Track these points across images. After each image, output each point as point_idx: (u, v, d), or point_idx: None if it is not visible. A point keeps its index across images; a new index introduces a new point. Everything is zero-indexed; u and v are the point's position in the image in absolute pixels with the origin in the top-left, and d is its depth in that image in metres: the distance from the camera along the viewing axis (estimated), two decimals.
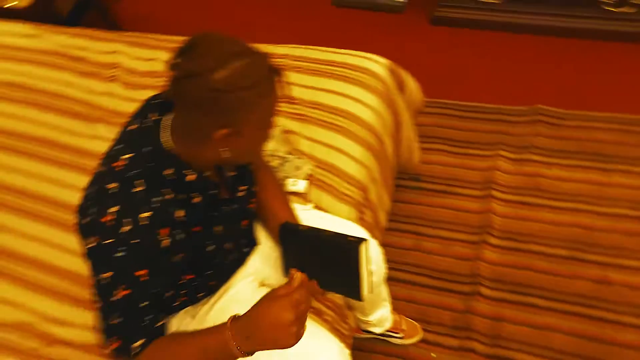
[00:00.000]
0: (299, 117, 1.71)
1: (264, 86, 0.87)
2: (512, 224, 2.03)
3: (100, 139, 1.78)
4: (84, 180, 1.61)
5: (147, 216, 0.87)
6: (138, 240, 0.86)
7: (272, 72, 0.88)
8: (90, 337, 1.33)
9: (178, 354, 0.89)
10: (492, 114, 2.41)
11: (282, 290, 0.86)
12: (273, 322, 0.82)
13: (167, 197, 0.91)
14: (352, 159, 1.60)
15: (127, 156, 0.90)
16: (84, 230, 0.89)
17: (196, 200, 0.97)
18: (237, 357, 0.86)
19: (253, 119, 0.89)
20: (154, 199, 0.89)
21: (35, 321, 1.39)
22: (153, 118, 0.95)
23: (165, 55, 2.02)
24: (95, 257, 0.89)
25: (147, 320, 0.91)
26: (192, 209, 0.95)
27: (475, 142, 2.32)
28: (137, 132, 0.95)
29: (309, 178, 1.55)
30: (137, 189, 0.88)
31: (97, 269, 0.89)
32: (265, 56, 0.88)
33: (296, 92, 1.78)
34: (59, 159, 1.73)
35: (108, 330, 0.90)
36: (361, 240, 0.98)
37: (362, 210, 1.55)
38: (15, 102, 1.93)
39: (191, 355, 0.88)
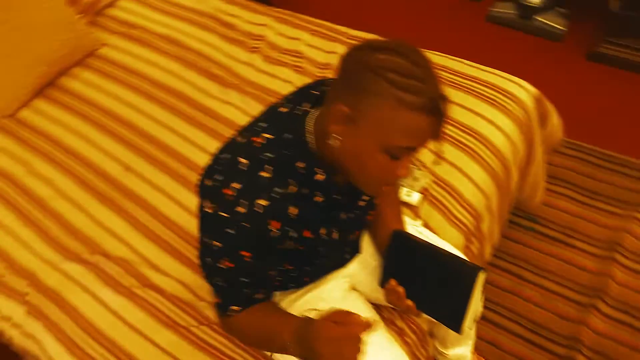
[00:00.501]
0: None
1: (410, 102, 0.76)
2: (632, 296, 1.82)
3: (232, 105, 1.84)
4: (209, 142, 1.73)
5: (263, 205, 0.86)
6: (248, 225, 0.86)
7: (431, 104, 0.77)
8: (180, 291, 1.39)
9: (272, 328, 0.97)
10: (636, 171, 2.17)
11: (341, 329, 0.84)
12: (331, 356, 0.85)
13: (290, 189, 0.89)
14: (474, 183, 1.52)
15: (267, 136, 0.89)
16: (205, 192, 0.91)
17: (317, 199, 0.94)
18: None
19: (375, 118, 0.78)
20: (277, 189, 0.88)
21: (136, 261, 1.47)
22: (304, 108, 0.93)
23: (307, 37, 2.05)
24: (208, 222, 0.90)
25: (246, 292, 0.96)
26: (310, 208, 0.93)
27: (608, 196, 2.10)
28: (286, 117, 0.92)
29: (424, 192, 1.49)
30: (264, 174, 0.87)
31: (207, 233, 0.91)
32: (438, 94, 0.79)
33: None
34: (191, 116, 1.81)
35: (212, 286, 0.97)
36: (480, 268, 0.90)
37: (470, 239, 1.47)
38: (165, 55, 2.05)
39: (278, 340, 0.95)
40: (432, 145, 1.59)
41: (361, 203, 1.06)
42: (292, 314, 1.01)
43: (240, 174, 0.87)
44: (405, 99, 0.76)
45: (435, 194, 1.50)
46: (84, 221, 1.57)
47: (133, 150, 1.73)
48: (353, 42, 1.92)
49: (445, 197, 1.49)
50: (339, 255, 1.16)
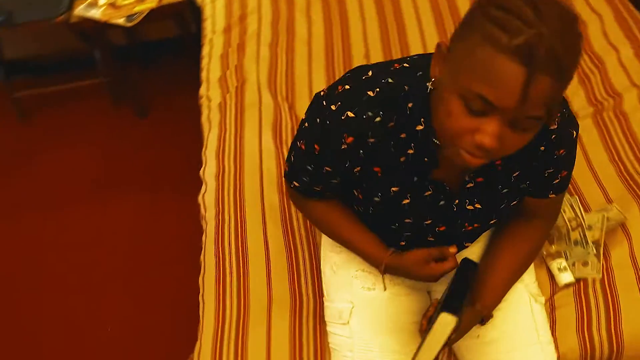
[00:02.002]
0: None
1: (498, 39, 0.62)
2: None
3: None
4: None
5: (349, 116, 0.82)
6: (328, 124, 0.83)
7: (527, 50, 0.61)
8: None
9: (332, 229, 1.03)
10: None
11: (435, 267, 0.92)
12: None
13: (389, 124, 0.82)
14: None
15: (406, 65, 0.85)
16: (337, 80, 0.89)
17: (409, 151, 0.84)
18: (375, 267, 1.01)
19: (459, 54, 0.67)
20: (371, 113, 0.81)
21: None
22: None
23: None
24: (313, 101, 0.89)
25: (306, 180, 0.96)
26: (391, 153, 0.84)
27: None
28: (430, 58, 0.79)
29: (584, 280, 1.13)
30: (370, 94, 0.82)
31: (308, 109, 0.90)
32: (546, 42, 0.61)
33: None
34: None
35: (288, 155, 0.99)
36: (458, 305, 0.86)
37: None
38: None
39: (340, 240, 1.03)
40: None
41: (468, 186, 0.89)
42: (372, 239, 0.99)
43: (358, 81, 0.85)
44: (494, 35, 0.62)
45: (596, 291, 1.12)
46: None
47: None
48: None
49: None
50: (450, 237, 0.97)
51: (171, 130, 2.25)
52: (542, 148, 0.86)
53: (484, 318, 0.98)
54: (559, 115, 0.84)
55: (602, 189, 1.24)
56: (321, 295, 1.14)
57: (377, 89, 0.82)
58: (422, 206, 0.91)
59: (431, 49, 1.23)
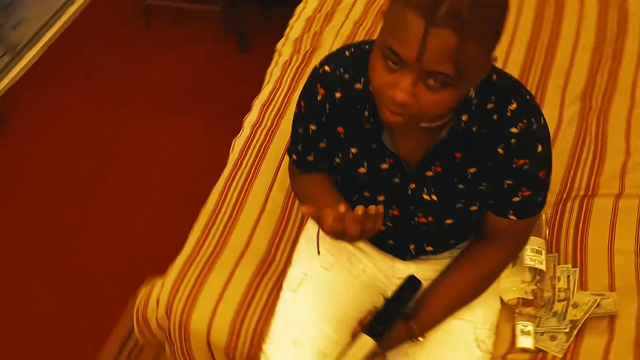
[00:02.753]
0: None
1: None
2: None
3: None
4: None
5: (325, 70, 0.89)
6: (310, 80, 0.92)
7: (430, 4, 0.63)
8: None
9: (308, 194, 1.05)
10: None
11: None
12: None
13: (356, 84, 0.87)
14: None
15: None
16: None
17: (365, 113, 0.88)
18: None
19: (386, 11, 0.71)
20: (342, 70, 0.88)
21: None
22: None
23: None
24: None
25: (299, 149, 1.01)
26: (353, 115, 0.89)
27: None
28: None
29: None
30: (347, 53, 0.90)
31: None
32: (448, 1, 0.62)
33: None
34: None
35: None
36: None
37: None
38: None
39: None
40: None
41: (428, 175, 0.90)
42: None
43: (348, 44, 0.92)
44: None
45: None
46: None
47: None
48: None
49: None
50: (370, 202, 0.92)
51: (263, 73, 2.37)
52: (500, 150, 0.84)
53: (416, 336, 0.98)
54: (481, 79, 0.77)
55: (611, 274, 1.15)
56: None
57: (353, 49, 0.89)
58: (377, 179, 0.93)
59: None
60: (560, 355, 1.05)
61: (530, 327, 1.08)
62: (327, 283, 1.07)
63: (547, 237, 1.21)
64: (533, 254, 1.13)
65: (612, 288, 1.14)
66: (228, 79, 2.36)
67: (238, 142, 1.46)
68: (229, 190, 1.33)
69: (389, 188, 0.94)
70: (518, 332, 1.08)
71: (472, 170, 0.88)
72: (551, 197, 1.28)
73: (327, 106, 0.90)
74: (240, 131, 1.50)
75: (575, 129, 1.40)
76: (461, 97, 0.74)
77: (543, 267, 1.12)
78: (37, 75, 2.40)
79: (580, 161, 1.34)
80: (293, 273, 1.12)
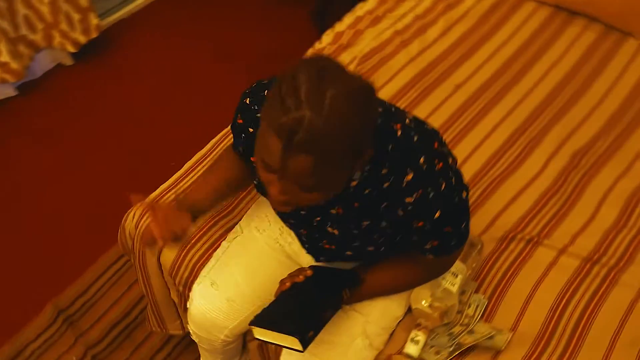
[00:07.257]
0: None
1: (269, 120, 0.74)
2: None
3: None
4: None
5: (256, 85, 1.01)
6: (247, 91, 1.02)
7: (282, 132, 0.72)
8: None
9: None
10: None
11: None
12: None
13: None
14: None
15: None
16: None
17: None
18: None
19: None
20: (267, 89, 0.97)
21: None
22: None
23: None
24: None
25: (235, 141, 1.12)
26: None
27: None
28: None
29: None
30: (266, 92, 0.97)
31: None
32: (294, 127, 0.71)
33: None
34: None
35: None
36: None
37: None
38: None
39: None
40: None
41: (332, 213, 0.97)
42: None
43: (271, 80, 1.00)
44: (270, 114, 0.74)
45: None
46: None
47: None
48: None
49: None
50: (309, 243, 1.11)
51: None
52: (401, 212, 0.90)
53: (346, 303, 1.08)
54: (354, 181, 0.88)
55: (519, 318, 1.20)
56: None
57: (266, 91, 0.98)
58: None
59: None
60: None
61: (421, 337, 1.17)
62: (255, 243, 1.23)
63: (476, 265, 1.27)
64: (449, 274, 1.21)
65: (514, 329, 1.19)
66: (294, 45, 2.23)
67: None
68: (223, 143, 1.52)
69: (295, 217, 1.04)
70: (409, 339, 1.17)
71: (365, 223, 0.94)
72: (498, 232, 1.33)
73: (243, 135, 1.02)
74: None
75: (552, 181, 1.43)
76: (339, 189, 0.84)
77: (454, 289, 1.20)
78: (148, 16, 2.72)
79: (543, 209, 1.37)
80: (235, 228, 1.28)
